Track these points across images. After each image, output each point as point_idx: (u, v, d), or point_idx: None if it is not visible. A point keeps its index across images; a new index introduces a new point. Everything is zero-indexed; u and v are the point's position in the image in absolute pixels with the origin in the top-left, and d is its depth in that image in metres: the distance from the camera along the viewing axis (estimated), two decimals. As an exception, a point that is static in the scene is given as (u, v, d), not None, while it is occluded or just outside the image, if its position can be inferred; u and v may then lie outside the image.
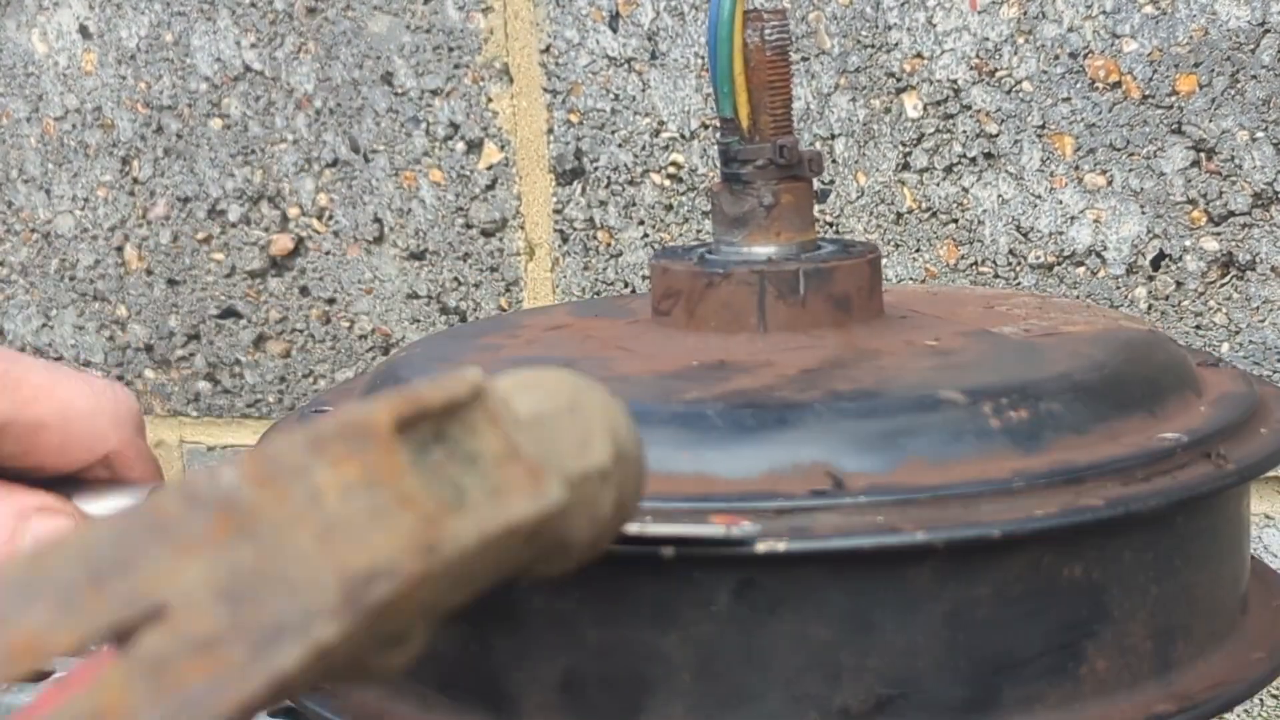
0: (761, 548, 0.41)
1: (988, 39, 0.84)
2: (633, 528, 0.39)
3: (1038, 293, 0.60)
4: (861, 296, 0.53)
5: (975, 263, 0.86)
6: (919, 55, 0.86)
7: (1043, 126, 0.84)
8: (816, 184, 0.86)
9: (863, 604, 0.42)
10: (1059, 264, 0.85)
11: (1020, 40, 0.84)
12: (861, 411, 0.45)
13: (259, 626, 0.27)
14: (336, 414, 0.30)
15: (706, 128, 0.91)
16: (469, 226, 0.99)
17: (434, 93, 0.98)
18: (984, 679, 0.43)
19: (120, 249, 1.10)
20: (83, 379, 0.48)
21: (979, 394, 0.45)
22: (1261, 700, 0.85)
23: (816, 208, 0.90)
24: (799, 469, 0.43)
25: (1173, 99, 0.81)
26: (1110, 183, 0.83)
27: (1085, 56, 0.82)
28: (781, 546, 0.41)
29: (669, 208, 0.93)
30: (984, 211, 0.86)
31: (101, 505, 0.47)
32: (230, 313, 1.07)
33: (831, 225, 0.89)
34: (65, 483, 0.48)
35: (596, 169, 0.95)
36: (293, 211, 1.04)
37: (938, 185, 0.87)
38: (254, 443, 0.56)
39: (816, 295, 0.52)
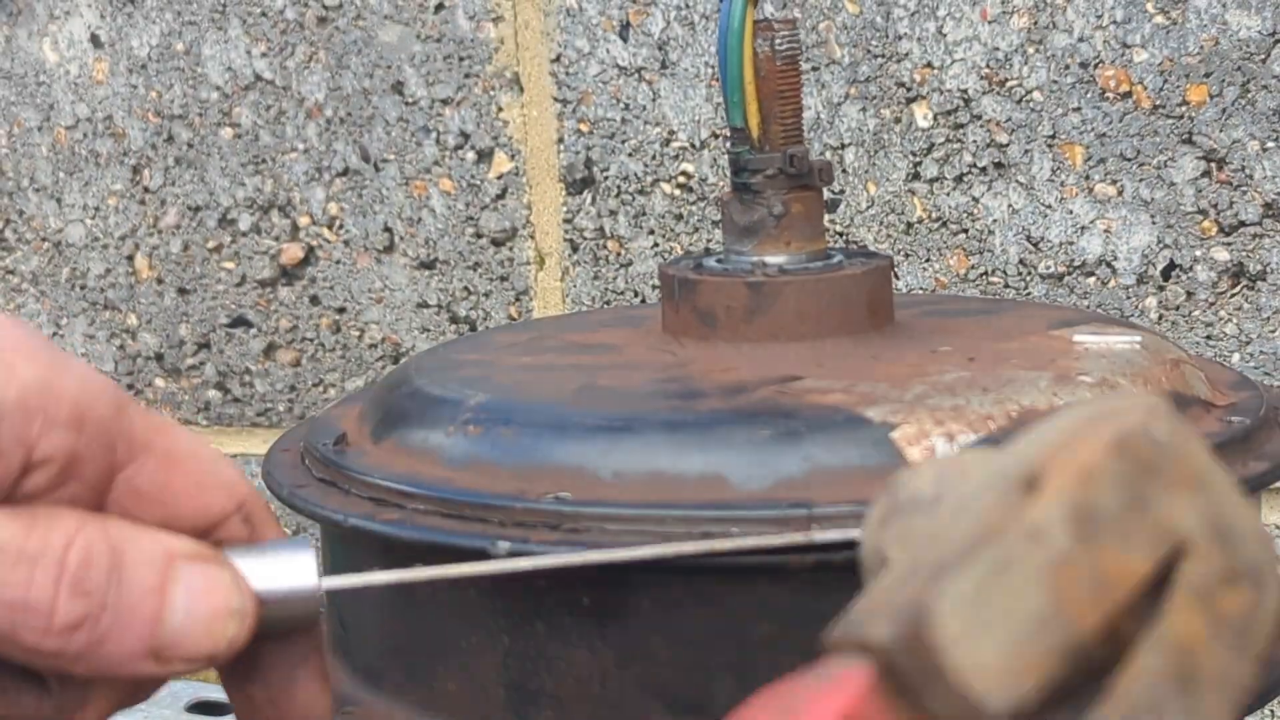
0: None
1: (998, 49, 0.84)
2: None
3: (1071, 319, 0.57)
4: (732, 316, 0.53)
5: (985, 272, 0.86)
6: (929, 65, 0.86)
7: (1053, 136, 0.84)
8: (826, 193, 0.87)
9: None
10: (1069, 274, 0.85)
11: (1031, 50, 0.84)
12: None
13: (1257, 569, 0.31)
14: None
15: (717, 137, 0.91)
16: (479, 236, 0.99)
17: (444, 102, 0.98)
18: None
19: (131, 258, 1.10)
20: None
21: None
22: (1273, 712, 0.85)
23: (826, 217, 0.90)
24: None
25: (1183, 109, 0.81)
26: (1121, 193, 0.83)
27: (1096, 66, 0.82)
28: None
29: (679, 217, 0.93)
30: (994, 221, 0.86)
31: (251, 564, 0.40)
32: (240, 321, 1.07)
33: (841, 235, 0.89)
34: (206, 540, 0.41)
35: (607, 178, 0.95)
36: (303, 220, 1.04)
37: (948, 195, 0.87)
38: (264, 452, 0.56)
39: (685, 305, 0.54)
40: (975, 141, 0.85)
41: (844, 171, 0.89)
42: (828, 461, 0.45)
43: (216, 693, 1.07)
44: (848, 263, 0.54)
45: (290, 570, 0.40)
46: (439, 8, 0.97)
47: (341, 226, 1.03)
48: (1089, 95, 0.83)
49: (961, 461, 0.34)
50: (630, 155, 0.94)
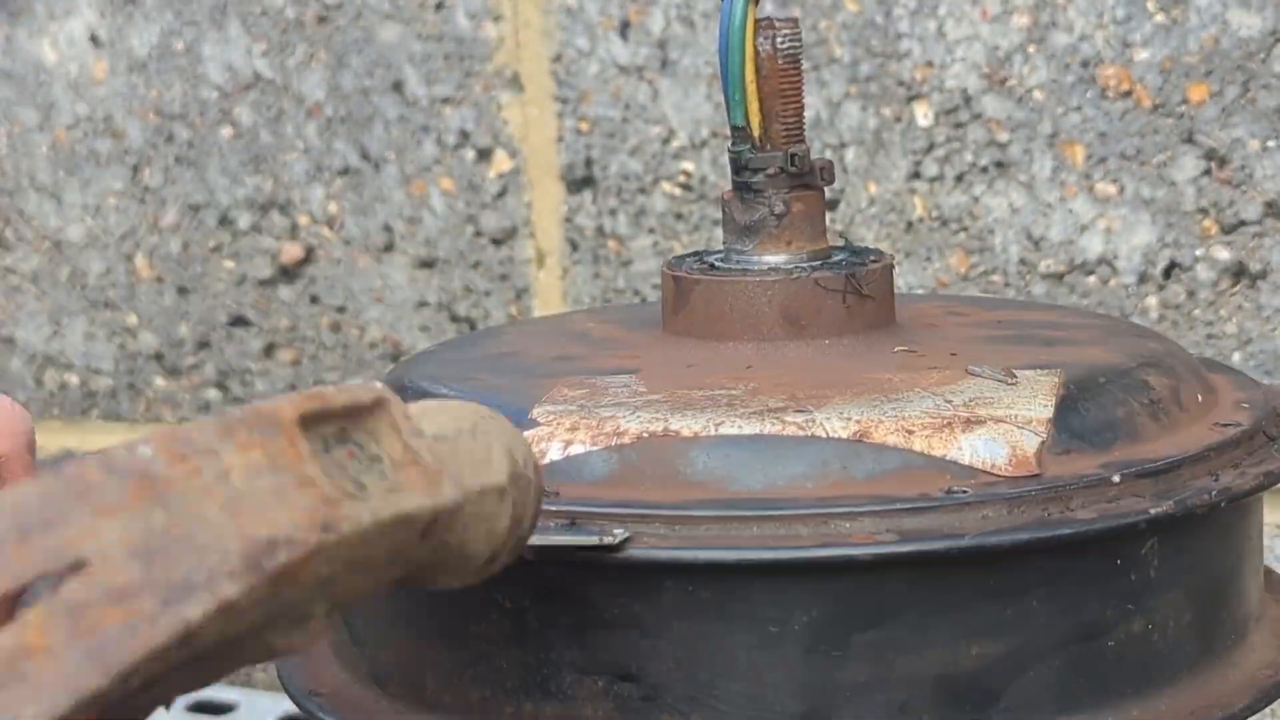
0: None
1: (998, 47, 0.84)
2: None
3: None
4: (665, 309, 0.54)
5: (986, 272, 0.86)
6: (930, 64, 0.86)
7: (1054, 135, 0.84)
8: (827, 192, 0.87)
9: None
10: (1070, 273, 0.84)
11: (1031, 49, 0.83)
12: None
13: (168, 582, 0.30)
14: (246, 406, 0.34)
15: (717, 136, 0.91)
16: (479, 235, 0.99)
17: (444, 101, 0.98)
18: None
19: (130, 257, 1.10)
20: None
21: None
22: (1274, 712, 0.85)
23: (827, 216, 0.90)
24: None
25: (1184, 108, 0.81)
26: (1121, 192, 0.83)
27: (1096, 65, 0.82)
28: None
29: (679, 216, 0.93)
30: (995, 220, 0.86)
31: None
32: (240, 321, 1.07)
33: (841, 234, 0.89)
34: None
35: (607, 177, 0.95)
36: (303, 219, 1.04)
37: (949, 194, 0.87)
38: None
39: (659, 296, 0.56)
40: (976, 140, 0.85)
41: (844, 170, 0.89)
42: None
43: (216, 693, 1.07)
44: (798, 267, 0.53)
45: None
46: (439, 6, 0.97)
47: (341, 225, 1.03)
48: (1090, 94, 0.83)
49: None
50: (630, 154, 0.94)
